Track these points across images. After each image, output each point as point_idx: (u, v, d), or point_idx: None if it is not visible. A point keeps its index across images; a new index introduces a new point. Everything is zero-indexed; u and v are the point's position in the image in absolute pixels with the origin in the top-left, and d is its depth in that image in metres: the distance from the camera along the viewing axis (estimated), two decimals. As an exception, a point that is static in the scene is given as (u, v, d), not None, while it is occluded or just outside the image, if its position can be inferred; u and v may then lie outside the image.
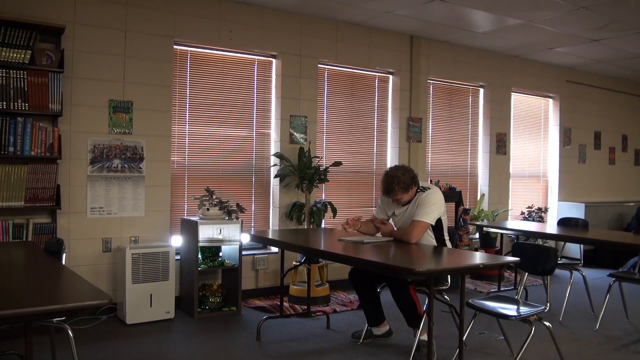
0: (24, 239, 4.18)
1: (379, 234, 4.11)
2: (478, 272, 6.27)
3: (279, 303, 4.73)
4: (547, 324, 3.37)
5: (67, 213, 4.48)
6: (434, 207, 3.73)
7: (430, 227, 3.79)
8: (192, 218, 4.83)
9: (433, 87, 6.73)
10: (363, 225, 4.08)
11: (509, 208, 7.35)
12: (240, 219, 4.87)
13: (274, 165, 5.52)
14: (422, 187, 3.85)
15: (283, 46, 5.55)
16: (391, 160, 6.37)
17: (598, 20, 5.56)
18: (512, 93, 7.44)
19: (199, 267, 4.71)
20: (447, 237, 3.87)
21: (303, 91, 5.67)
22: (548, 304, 3.54)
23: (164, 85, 4.92)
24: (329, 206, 5.44)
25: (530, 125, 7.81)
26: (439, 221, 3.79)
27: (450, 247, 3.90)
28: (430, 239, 3.82)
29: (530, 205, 7.18)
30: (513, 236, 6.15)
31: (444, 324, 4.04)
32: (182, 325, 4.47)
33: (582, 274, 4.92)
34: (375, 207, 6.21)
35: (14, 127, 4.12)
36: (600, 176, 8.48)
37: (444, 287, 3.71)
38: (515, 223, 6.21)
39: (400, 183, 3.74)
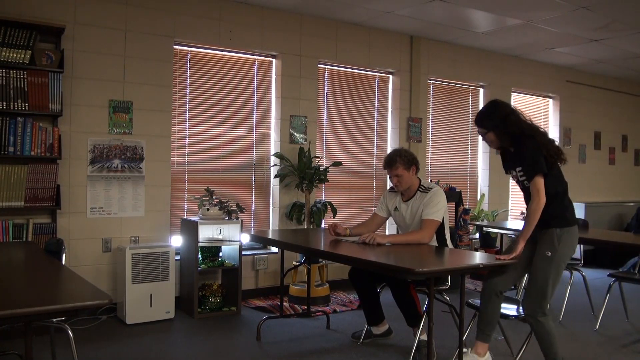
0: (24, 239, 4.18)
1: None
2: (478, 272, 6.26)
3: (279, 303, 4.74)
4: (547, 324, 3.37)
5: (67, 213, 4.48)
6: (440, 206, 3.74)
7: None
8: (192, 218, 4.83)
9: (433, 87, 6.73)
10: (357, 228, 4.06)
11: (509, 208, 7.35)
12: (240, 219, 4.87)
13: (274, 165, 5.52)
14: (425, 186, 3.85)
15: (283, 46, 5.55)
16: (391, 160, 6.36)
17: (598, 20, 5.56)
18: (512, 93, 7.44)
19: (199, 267, 4.71)
20: (448, 237, 3.88)
21: (303, 91, 5.67)
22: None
23: (164, 85, 4.92)
24: (329, 206, 5.44)
25: (530, 125, 7.80)
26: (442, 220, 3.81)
27: (451, 247, 3.90)
28: (432, 239, 3.83)
29: (530, 205, 7.17)
30: (513, 236, 6.15)
31: (444, 324, 4.04)
32: (182, 325, 4.47)
33: (582, 274, 4.92)
34: (375, 207, 6.24)
35: (14, 127, 4.12)
36: (600, 176, 8.48)
37: (444, 287, 3.71)
38: (515, 223, 6.20)
39: (402, 156, 3.80)
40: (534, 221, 3.08)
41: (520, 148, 3.15)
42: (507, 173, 3.43)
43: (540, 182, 3.06)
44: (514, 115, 3.18)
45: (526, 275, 3.78)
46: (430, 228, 3.71)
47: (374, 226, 4.10)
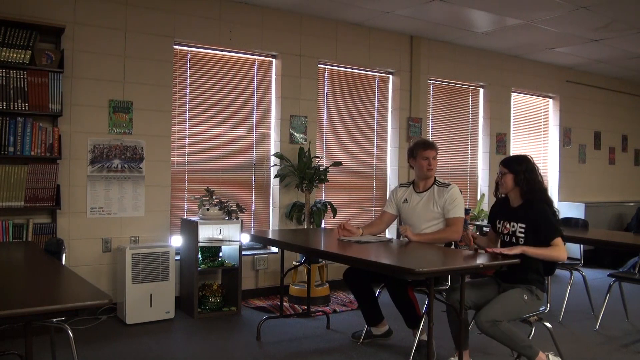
0: (24, 239, 4.18)
1: (381, 235, 4.14)
2: (478, 272, 6.25)
3: (279, 303, 4.73)
4: (547, 324, 3.37)
5: (67, 213, 4.48)
6: (461, 203, 3.90)
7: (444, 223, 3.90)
8: (192, 218, 4.83)
9: (433, 87, 6.73)
10: (368, 228, 4.08)
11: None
12: (240, 219, 4.87)
13: (274, 165, 5.52)
14: (441, 182, 3.93)
15: (283, 46, 5.55)
16: (391, 160, 6.37)
17: (598, 20, 5.56)
18: (512, 93, 7.44)
19: (199, 267, 4.71)
20: None
21: (303, 91, 5.67)
22: (548, 304, 3.54)
23: (164, 85, 4.92)
24: (329, 206, 5.44)
25: (530, 125, 7.81)
26: None
27: (452, 247, 3.91)
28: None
29: (530, 205, 7.17)
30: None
31: (444, 324, 4.04)
32: (182, 325, 4.47)
33: (582, 274, 4.92)
34: (375, 207, 6.25)
35: (14, 127, 4.12)
36: (600, 176, 8.48)
37: (444, 287, 3.71)
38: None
39: (436, 145, 4.00)
40: (545, 256, 3.25)
41: (534, 211, 3.33)
42: (493, 222, 3.60)
43: (561, 242, 3.26)
44: (536, 173, 3.41)
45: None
46: (459, 225, 3.85)
47: (384, 224, 4.16)
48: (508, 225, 3.44)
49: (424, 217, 3.87)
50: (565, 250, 3.25)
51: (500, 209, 3.56)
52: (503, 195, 3.55)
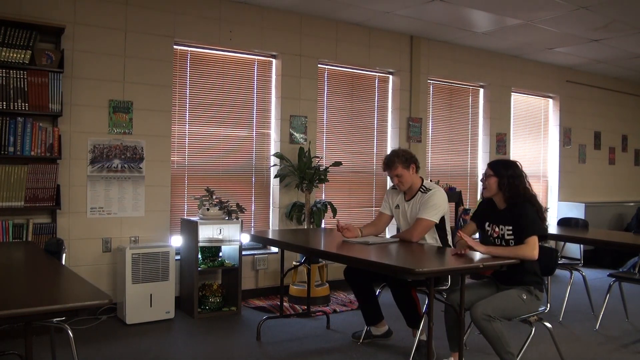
0: (24, 239, 4.18)
1: (381, 235, 4.13)
2: (478, 272, 6.25)
3: (279, 303, 4.73)
4: (547, 324, 3.37)
5: (67, 213, 4.48)
6: (436, 207, 3.74)
7: (435, 227, 3.81)
8: (192, 218, 4.83)
9: (433, 87, 6.73)
10: (367, 228, 4.07)
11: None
12: (240, 219, 4.87)
13: (274, 165, 5.52)
14: (426, 187, 3.86)
15: (283, 46, 5.55)
16: (391, 160, 6.37)
17: (598, 20, 5.56)
18: (512, 93, 7.44)
19: (199, 267, 4.71)
20: (450, 238, 3.89)
21: (303, 91, 5.67)
22: (548, 304, 3.54)
23: (164, 85, 4.92)
24: (329, 206, 5.44)
25: (530, 125, 7.81)
26: (442, 221, 3.81)
27: (452, 247, 3.90)
28: (433, 240, 3.83)
29: (530, 205, 7.17)
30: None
31: (443, 324, 4.04)
32: (182, 325, 4.47)
33: (582, 274, 4.92)
34: (375, 207, 6.25)
35: (14, 127, 4.11)
36: (600, 176, 8.48)
37: (444, 287, 3.71)
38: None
39: (399, 156, 3.85)
40: (511, 256, 3.19)
41: (517, 210, 3.31)
42: (480, 220, 3.55)
43: (536, 240, 3.24)
44: (522, 179, 3.38)
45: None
46: (420, 227, 3.73)
47: (382, 225, 4.14)
48: (497, 229, 3.41)
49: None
50: (535, 248, 3.18)
51: (488, 211, 3.51)
52: (487, 198, 3.51)
